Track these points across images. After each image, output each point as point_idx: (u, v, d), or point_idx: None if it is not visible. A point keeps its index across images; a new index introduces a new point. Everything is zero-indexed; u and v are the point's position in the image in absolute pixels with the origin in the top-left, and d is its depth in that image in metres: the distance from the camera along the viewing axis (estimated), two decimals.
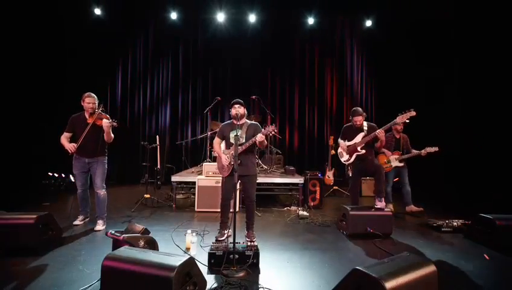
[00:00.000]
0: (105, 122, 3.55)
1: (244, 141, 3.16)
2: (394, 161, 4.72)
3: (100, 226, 3.64)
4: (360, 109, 4.03)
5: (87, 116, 3.64)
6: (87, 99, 3.63)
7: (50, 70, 6.71)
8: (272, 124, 3.09)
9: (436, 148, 4.53)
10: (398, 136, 4.82)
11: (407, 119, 3.73)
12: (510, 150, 5.34)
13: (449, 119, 6.42)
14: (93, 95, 3.68)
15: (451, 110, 6.50)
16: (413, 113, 3.70)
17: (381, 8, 7.10)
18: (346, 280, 1.97)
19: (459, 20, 6.21)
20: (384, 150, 4.70)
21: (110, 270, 1.99)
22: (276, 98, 7.82)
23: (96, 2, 6.98)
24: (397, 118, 3.74)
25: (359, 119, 3.95)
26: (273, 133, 3.00)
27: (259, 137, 2.98)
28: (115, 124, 3.63)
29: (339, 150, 4.23)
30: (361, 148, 3.93)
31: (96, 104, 3.68)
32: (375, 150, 4.13)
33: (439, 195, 5.76)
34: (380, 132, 3.74)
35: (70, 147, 3.53)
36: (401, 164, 4.73)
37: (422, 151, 4.59)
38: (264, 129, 2.98)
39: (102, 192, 3.70)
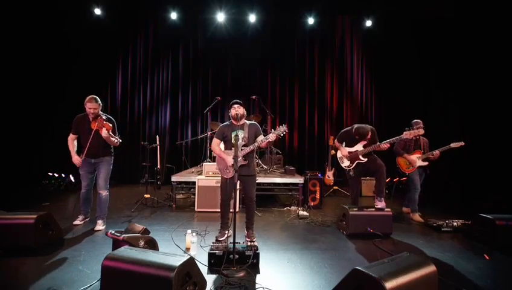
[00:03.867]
0: (104, 133, 3.51)
1: (247, 141, 3.16)
2: (417, 160, 4.31)
3: (100, 226, 3.64)
4: (366, 127, 3.89)
5: (90, 119, 3.57)
6: (88, 104, 3.50)
7: (50, 71, 6.71)
8: (283, 124, 3.04)
9: (462, 143, 4.07)
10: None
11: (414, 137, 3.78)
12: (510, 150, 5.35)
13: (449, 119, 6.42)
14: (95, 99, 3.53)
15: (451, 110, 6.51)
16: (422, 132, 3.82)
17: (381, 7, 7.09)
18: (346, 280, 1.97)
19: (460, 19, 6.21)
20: (405, 155, 4.34)
21: (110, 270, 1.99)
22: (276, 98, 7.80)
23: (96, 2, 6.98)
24: (404, 133, 3.75)
25: (367, 139, 3.92)
26: (284, 133, 3.00)
27: (272, 137, 2.99)
28: (115, 140, 3.63)
29: (339, 154, 4.20)
30: (363, 157, 3.94)
31: (99, 109, 3.57)
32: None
33: (439, 195, 5.75)
34: (384, 147, 3.80)
35: (77, 162, 3.55)
36: (425, 163, 4.32)
37: (444, 148, 4.16)
38: (276, 129, 2.98)
39: (104, 193, 3.70)
